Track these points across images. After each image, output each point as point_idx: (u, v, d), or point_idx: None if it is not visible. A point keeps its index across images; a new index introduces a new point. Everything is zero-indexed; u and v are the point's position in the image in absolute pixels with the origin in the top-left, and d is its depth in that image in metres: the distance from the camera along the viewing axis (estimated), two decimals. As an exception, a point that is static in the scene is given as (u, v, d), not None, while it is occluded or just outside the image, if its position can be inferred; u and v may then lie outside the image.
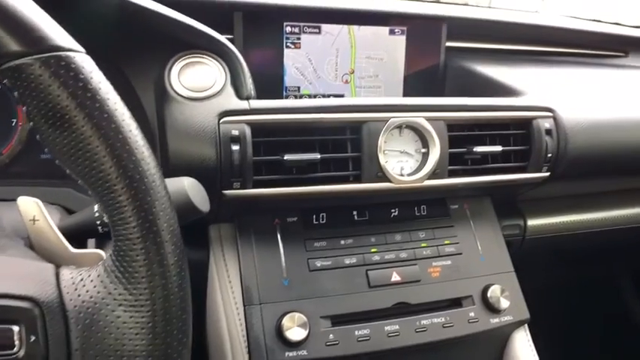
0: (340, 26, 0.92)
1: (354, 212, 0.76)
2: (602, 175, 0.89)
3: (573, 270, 1.23)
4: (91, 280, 0.36)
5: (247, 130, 0.64)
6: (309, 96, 0.93)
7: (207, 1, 0.83)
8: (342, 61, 0.94)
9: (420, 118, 0.70)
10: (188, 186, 0.49)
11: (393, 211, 0.78)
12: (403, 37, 0.96)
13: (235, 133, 0.63)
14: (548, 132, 0.77)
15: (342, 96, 0.95)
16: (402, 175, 0.71)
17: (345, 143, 0.69)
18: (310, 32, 0.91)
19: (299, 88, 0.92)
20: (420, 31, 0.96)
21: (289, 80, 0.91)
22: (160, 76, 0.66)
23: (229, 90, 0.66)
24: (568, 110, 0.80)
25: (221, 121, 0.63)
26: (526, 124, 0.78)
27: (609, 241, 1.04)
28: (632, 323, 1.35)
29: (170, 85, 0.65)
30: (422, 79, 0.98)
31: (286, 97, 0.92)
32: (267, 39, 0.88)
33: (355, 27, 0.93)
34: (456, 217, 0.80)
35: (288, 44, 0.90)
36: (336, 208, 0.75)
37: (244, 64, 0.68)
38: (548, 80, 0.91)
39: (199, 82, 0.66)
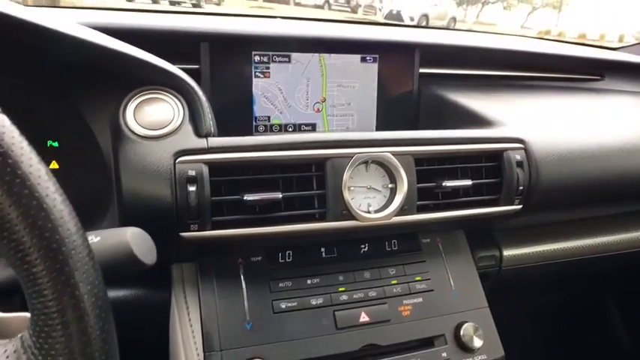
0: (310, 55, 0.91)
1: (322, 249, 0.74)
2: (577, 206, 0.88)
3: (552, 297, 1.21)
4: (7, 357, 0.33)
5: (205, 170, 0.61)
6: (280, 126, 0.91)
7: (172, 32, 0.81)
8: (313, 89, 0.92)
9: (386, 154, 0.68)
10: (131, 237, 0.46)
11: (362, 246, 0.75)
12: (375, 65, 0.95)
13: (192, 173, 0.60)
14: (519, 164, 0.76)
15: (313, 125, 0.94)
16: (368, 212, 0.68)
17: (310, 180, 0.67)
18: (280, 61, 0.89)
19: (269, 117, 0.91)
20: (393, 58, 0.95)
21: (259, 110, 0.90)
22: (115, 114, 0.63)
23: (187, 127, 0.64)
24: (539, 141, 0.79)
25: (177, 161, 0.61)
26: (497, 156, 0.76)
27: (590, 268, 1.02)
28: (620, 350, 1.33)
29: (125, 123, 0.62)
30: (395, 106, 0.97)
31: (256, 127, 0.90)
32: (236, 69, 0.87)
33: (326, 55, 0.91)
34: (428, 252, 0.78)
35: (257, 74, 0.88)
36: (302, 246, 0.72)
37: (204, 99, 0.66)
38: (520, 109, 0.90)
39: (156, 119, 0.63)
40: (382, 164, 0.69)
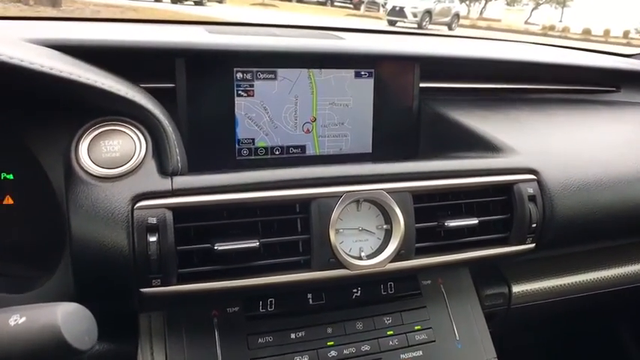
0: (299, 70, 0.82)
1: (309, 295, 0.65)
2: (596, 240, 0.79)
3: (564, 329, 1.12)
4: None
5: (168, 216, 0.53)
6: (266, 149, 0.83)
7: (142, 47, 0.73)
8: (302, 108, 0.83)
9: (380, 191, 0.59)
10: (63, 317, 0.38)
11: (354, 291, 0.67)
12: (371, 80, 0.86)
13: (152, 221, 0.52)
14: (532, 198, 0.67)
15: (303, 147, 0.85)
16: (360, 257, 0.60)
17: (294, 223, 0.58)
18: (265, 78, 0.81)
19: (253, 140, 0.82)
20: (390, 72, 0.87)
21: (242, 132, 0.81)
22: (66, 150, 0.55)
23: (150, 165, 0.55)
24: (554, 171, 0.70)
25: (136, 207, 0.52)
26: (506, 189, 0.67)
27: (609, 301, 0.93)
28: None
29: (77, 161, 0.54)
30: (393, 126, 0.88)
31: (239, 151, 0.81)
32: (216, 87, 0.78)
33: (316, 70, 0.83)
34: (429, 296, 0.70)
35: (239, 92, 0.80)
36: (286, 292, 0.64)
37: (170, 130, 0.57)
38: (530, 130, 0.81)
39: (113, 156, 0.55)
40: (376, 203, 0.60)
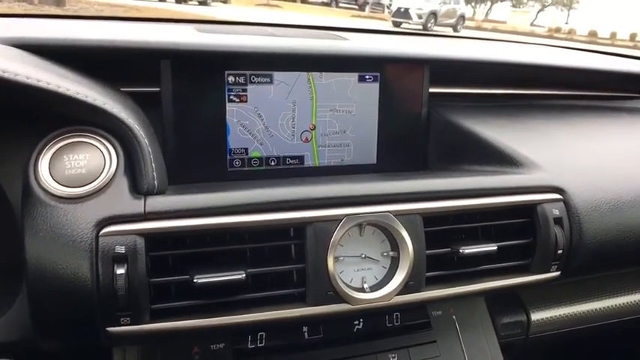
0: (297, 73, 0.75)
1: (304, 329, 0.57)
2: (627, 264, 0.71)
3: (586, 357, 1.04)
4: None
5: (140, 243, 0.45)
6: (260, 159, 0.76)
7: (124, 48, 0.65)
8: (300, 115, 0.76)
9: (386, 214, 0.52)
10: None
11: (356, 323, 0.59)
12: (376, 85, 0.79)
13: (120, 249, 0.44)
14: (558, 220, 0.59)
15: (301, 157, 0.78)
16: (362, 289, 0.52)
17: (287, 250, 0.51)
18: (259, 82, 0.74)
19: (247, 150, 0.75)
20: (397, 76, 0.79)
21: (234, 141, 0.74)
22: (25, 165, 0.47)
23: (120, 183, 0.48)
24: (582, 189, 0.62)
25: (101, 233, 0.45)
26: (529, 210, 0.59)
27: (636, 328, 0.85)
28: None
29: (35, 178, 0.47)
30: (400, 134, 0.81)
31: (231, 162, 0.74)
32: (205, 92, 0.71)
33: (316, 74, 0.76)
34: (439, 328, 0.62)
35: (231, 97, 0.73)
36: (279, 325, 0.56)
37: (145, 142, 0.50)
38: (551, 141, 0.73)
39: (77, 172, 0.47)
40: (381, 227, 0.53)
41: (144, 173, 0.49)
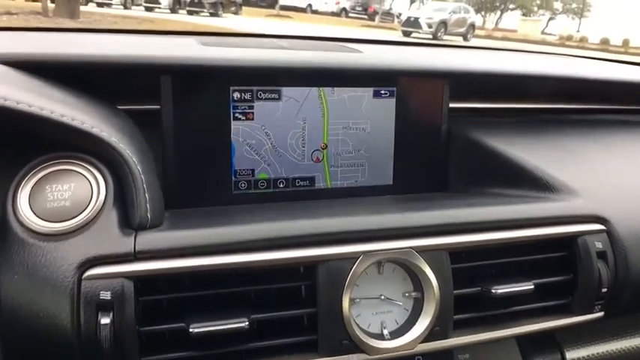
0: (307, 89, 0.70)
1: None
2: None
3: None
4: None
5: (128, 288, 0.40)
6: (267, 181, 0.70)
7: (121, 64, 0.60)
8: (311, 133, 0.71)
9: (408, 250, 0.46)
10: None
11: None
12: (392, 100, 0.74)
13: (105, 295, 0.39)
14: (601, 255, 0.52)
15: (311, 179, 0.72)
16: (382, 336, 0.46)
17: (296, 292, 0.45)
18: (267, 98, 0.68)
19: (253, 171, 0.70)
20: (415, 91, 0.74)
21: (240, 162, 0.69)
22: (3, 197, 0.42)
23: (109, 216, 0.43)
24: (627, 218, 0.55)
25: (84, 276, 0.39)
26: (567, 243, 0.53)
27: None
28: None
29: (14, 212, 0.41)
30: (418, 153, 0.75)
31: (236, 184, 0.69)
32: (208, 109, 0.66)
33: (328, 89, 0.70)
34: (467, 375, 0.55)
35: (236, 115, 0.67)
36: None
37: (137, 169, 0.44)
38: (587, 162, 0.67)
39: (60, 205, 0.42)
40: (402, 264, 0.47)
41: (136, 204, 0.43)
